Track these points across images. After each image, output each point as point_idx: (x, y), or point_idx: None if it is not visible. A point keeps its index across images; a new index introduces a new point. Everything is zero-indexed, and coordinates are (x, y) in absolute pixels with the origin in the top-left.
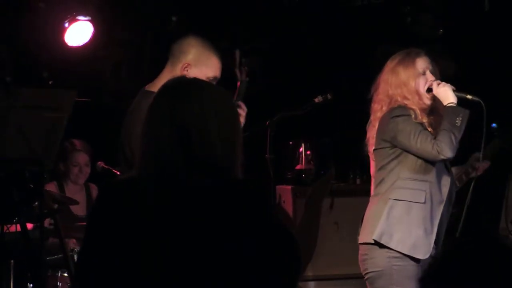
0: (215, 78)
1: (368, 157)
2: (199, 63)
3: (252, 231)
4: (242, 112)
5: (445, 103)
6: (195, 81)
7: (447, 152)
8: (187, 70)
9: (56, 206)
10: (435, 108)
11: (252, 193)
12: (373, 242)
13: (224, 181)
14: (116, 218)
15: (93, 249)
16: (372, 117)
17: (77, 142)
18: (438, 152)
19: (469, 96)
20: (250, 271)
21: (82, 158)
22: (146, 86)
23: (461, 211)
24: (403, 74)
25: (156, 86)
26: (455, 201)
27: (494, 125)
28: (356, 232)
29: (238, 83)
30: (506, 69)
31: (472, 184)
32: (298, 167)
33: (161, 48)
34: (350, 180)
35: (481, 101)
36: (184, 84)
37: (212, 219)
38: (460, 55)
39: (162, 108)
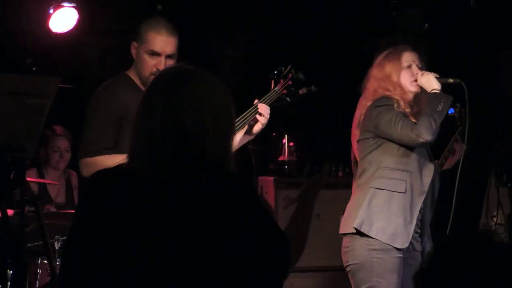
0: (152, 51)
1: (351, 150)
2: (139, 39)
3: (246, 227)
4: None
5: (429, 91)
6: (192, 71)
7: (426, 135)
8: (135, 49)
9: (36, 191)
10: (419, 100)
11: (246, 188)
12: (354, 232)
13: (217, 174)
14: (105, 209)
15: (80, 240)
16: (360, 112)
17: (57, 128)
18: (417, 135)
19: (450, 80)
20: (242, 267)
21: (62, 143)
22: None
23: (449, 209)
24: (388, 67)
25: (132, 71)
26: (444, 199)
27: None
28: (338, 224)
29: (271, 89)
30: (491, 64)
31: (457, 181)
32: (280, 158)
33: None
34: (332, 172)
35: (462, 82)
36: (180, 74)
37: (205, 213)
38: (445, 50)
39: (157, 98)
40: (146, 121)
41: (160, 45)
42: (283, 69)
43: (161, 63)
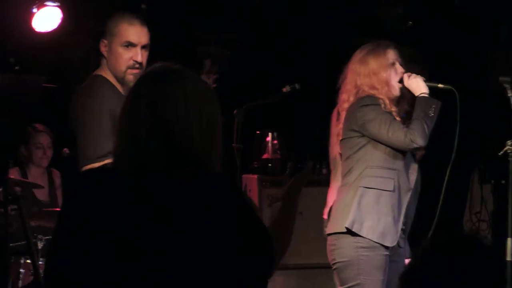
0: (127, 42)
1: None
2: (108, 35)
3: (231, 226)
4: None
5: (417, 94)
6: (177, 70)
7: (420, 141)
8: (106, 48)
9: (19, 191)
10: (403, 99)
11: (231, 186)
12: (342, 231)
13: (203, 173)
14: (90, 209)
15: (65, 240)
16: (339, 108)
17: (38, 125)
18: (411, 141)
19: (440, 85)
20: (226, 266)
21: (45, 139)
22: (97, 71)
23: (430, 205)
24: (374, 63)
25: (106, 72)
26: (425, 194)
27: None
28: (321, 222)
29: None
30: (475, 63)
31: (445, 183)
32: (264, 156)
33: None
34: (316, 170)
35: (453, 89)
36: (165, 73)
37: (189, 212)
38: (429, 49)
39: (142, 97)
40: (132, 120)
41: (135, 35)
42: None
43: (138, 54)
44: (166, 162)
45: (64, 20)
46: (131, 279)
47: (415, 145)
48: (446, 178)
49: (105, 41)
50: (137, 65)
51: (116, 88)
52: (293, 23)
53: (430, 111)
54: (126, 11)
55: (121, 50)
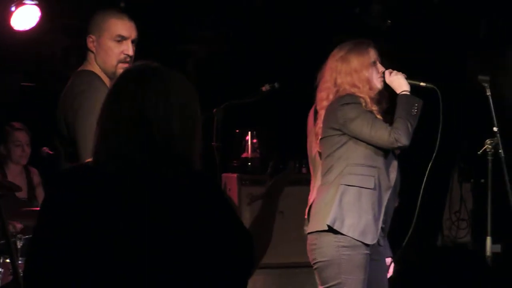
0: (120, 36)
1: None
2: (97, 30)
3: (210, 224)
4: None
5: (398, 92)
6: (158, 68)
7: (404, 140)
8: (94, 43)
9: None
10: (383, 97)
11: (211, 185)
12: (322, 230)
13: (183, 170)
14: (70, 207)
15: (45, 238)
16: (318, 106)
17: (16, 123)
18: (396, 140)
19: (423, 84)
20: (206, 265)
21: (23, 136)
22: (79, 68)
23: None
24: (356, 62)
25: (88, 66)
26: (405, 192)
27: None
28: (301, 221)
29: None
30: (454, 61)
31: (424, 182)
32: (244, 155)
33: None
34: (295, 169)
35: (435, 88)
36: (146, 71)
37: (170, 209)
38: (408, 47)
39: (123, 94)
40: (112, 117)
41: (126, 29)
42: None
43: (129, 48)
44: (147, 159)
45: (42, 18)
46: (113, 277)
47: (399, 144)
48: (425, 177)
49: (93, 37)
50: (128, 59)
51: (106, 84)
52: (273, 22)
53: (413, 110)
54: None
55: (112, 44)
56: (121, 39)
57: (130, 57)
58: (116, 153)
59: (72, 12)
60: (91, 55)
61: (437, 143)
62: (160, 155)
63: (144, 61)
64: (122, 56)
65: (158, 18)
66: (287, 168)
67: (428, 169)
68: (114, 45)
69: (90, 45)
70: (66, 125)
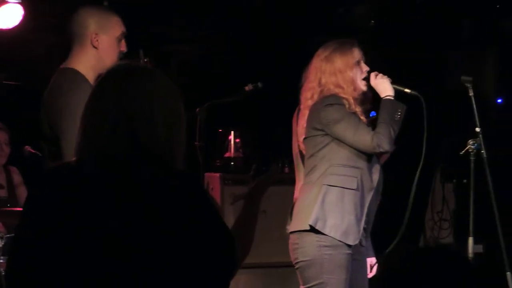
0: (123, 33)
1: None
2: (104, 28)
3: (193, 224)
4: None
5: (382, 95)
6: (141, 67)
7: (386, 145)
8: (97, 40)
9: None
10: (367, 97)
11: (194, 184)
12: (304, 229)
13: (167, 170)
14: (53, 206)
15: (27, 238)
16: (302, 106)
17: None
18: (378, 145)
19: (407, 90)
20: (188, 265)
21: (2, 135)
22: (64, 65)
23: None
24: (340, 62)
25: (79, 66)
26: (387, 193)
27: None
28: (284, 220)
29: None
30: (436, 62)
31: (414, 186)
32: (227, 155)
33: None
34: (278, 169)
35: (419, 96)
36: (129, 71)
37: (152, 209)
38: (391, 47)
39: (107, 93)
40: (96, 115)
41: (123, 26)
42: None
43: (124, 45)
44: (130, 159)
45: (25, 16)
46: (94, 277)
47: (381, 150)
48: (415, 182)
49: (97, 34)
50: (121, 56)
51: (90, 85)
52: (255, 22)
53: (396, 115)
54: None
55: (115, 42)
56: (122, 37)
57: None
58: (99, 152)
59: (56, 11)
60: (81, 52)
61: (423, 150)
62: (143, 154)
63: (127, 60)
64: (120, 54)
65: (140, 17)
66: (270, 170)
67: (417, 177)
68: (117, 43)
69: (96, 43)
70: (49, 124)
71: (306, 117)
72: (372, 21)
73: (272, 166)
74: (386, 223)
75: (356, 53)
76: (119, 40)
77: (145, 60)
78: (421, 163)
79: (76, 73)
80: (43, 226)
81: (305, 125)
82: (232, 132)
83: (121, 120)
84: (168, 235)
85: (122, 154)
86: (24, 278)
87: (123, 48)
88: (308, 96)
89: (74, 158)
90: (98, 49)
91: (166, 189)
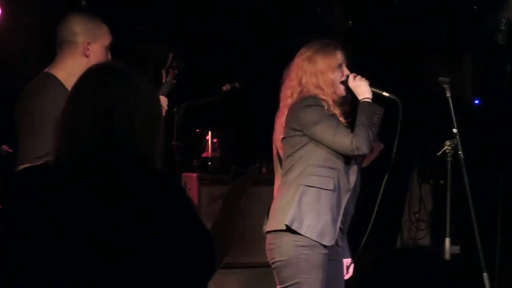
0: (111, 42)
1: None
2: (96, 37)
3: (171, 226)
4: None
5: (360, 98)
6: (120, 68)
7: (365, 148)
8: (89, 49)
9: None
10: (346, 99)
11: (173, 185)
12: (281, 229)
13: (146, 170)
14: (37, 206)
15: (9, 238)
16: (281, 104)
17: None
18: (357, 148)
19: (385, 94)
20: (166, 266)
21: None
22: (47, 69)
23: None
24: (322, 63)
25: (57, 71)
26: (365, 193)
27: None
28: (261, 221)
29: (164, 81)
30: (414, 63)
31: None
32: (204, 155)
33: None
34: (256, 169)
35: (397, 100)
36: (108, 71)
37: (131, 210)
38: (368, 48)
39: (86, 93)
40: (75, 117)
41: (110, 35)
42: (170, 60)
43: (109, 54)
44: (109, 159)
45: (2, 15)
46: (72, 280)
47: (359, 152)
48: (384, 182)
49: (89, 43)
50: None
51: (67, 90)
52: (233, 21)
53: (374, 118)
54: (74, 9)
55: (105, 52)
56: (109, 46)
57: None
58: (78, 152)
59: (33, 11)
60: (68, 58)
61: (393, 153)
62: (123, 153)
63: (106, 61)
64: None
65: (117, 17)
66: (249, 171)
67: (385, 179)
68: (105, 52)
69: (87, 52)
70: (15, 125)
71: (285, 116)
72: (350, 22)
73: (250, 167)
74: (363, 224)
75: (339, 56)
76: (108, 49)
77: (173, 63)
78: (390, 166)
79: (53, 80)
80: (29, 226)
81: (283, 124)
82: (210, 132)
83: (100, 120)
84: (147, 236)
85: (101, 153)
86: (13, 278)
87: (109, 57)
88: (288, 94)
89: (24, 165)
90: (89, 58)
91: (145, 189)
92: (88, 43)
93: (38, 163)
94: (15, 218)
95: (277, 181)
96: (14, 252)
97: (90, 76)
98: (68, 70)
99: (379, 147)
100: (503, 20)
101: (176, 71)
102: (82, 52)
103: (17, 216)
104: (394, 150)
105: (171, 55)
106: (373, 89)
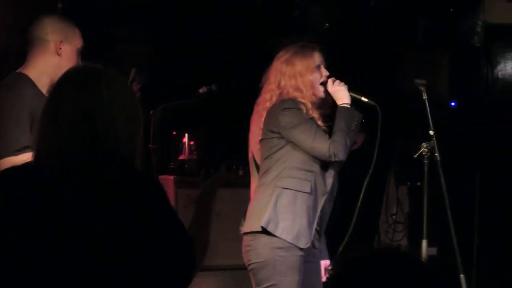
0: (82, 46)
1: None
2: (68, 38)
3: (152, 228)
4: None
5: (339, 103)
6: (99, 69)
7: (342, 155)
8: (61, 48)
9: None
10: (325, 102)
11: (153, 188)
12: (257, 231)
13: (127, 173)
14: (10, 209)
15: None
16: (260, 107)
17: None
18: (334, 155)
19: (364, 99)
20: (147, 268)
21: None
22: (20, 69)
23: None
24: (300, 65)
25: (28, 70)
26: (342, 195)
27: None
28: (238, 223)
29: None
30: (391, 63)
31: (362, 192)
32: (181, 157)
33: None
34: (232, 170)
35: (376, 106)
36: (88, 71)
37: (111, 211)
38: (346, 49)
39: (67, 95)
40: (55, 118)
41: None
42: (133, 75)
43: (79, 57)
44: (90, 161)
45: None
46: (46, 282)
47: (336, 159)
48: (364, 186)
49: (62, 42)
50: None
51: (39, 89)
52: (211, 23)
53: (352, 124)
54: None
55: (76, 54)
56: (80, 50)
57: None
58: (58, 155)
59: (10, 11)
60: (39, 57)
61: (374, 159)
62: (103, 154)
63: (85, 63)
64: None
65: (94, 18)
66: (219, 172)
67: (365, 183)
68: (77, 55)
69: (60, 51)
70: None
71: (263, 118)
72: (327, 24)
73: (220, 168)
74: (341, 226)
75: (317, 57)
76: (79, 52)
77: (135, 77)
78: (370, 170)
79: (24, 79)
80: (26, 226)
81: (261, 126)
82: (186, 135)
83: (81, 121)
84: (127, 238)
85: (82, 155)
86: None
87: (80, 61)
88: (267, 98)
89: (31, 153)
90: (61, 56)
91: (129, 190)
92: (61, 42)
93: (19, 157)
94: (11, 218)
95: (253, 183)
96: (16, 251)
97: (70, 77)
98: (40, 69)
99: (361, 137)
100: (479, 22)
101: (139, 86)
102: (54, 50)
103: (12, 217)
104: (375, 157)
105: (133, 70)
106: (352, 94)
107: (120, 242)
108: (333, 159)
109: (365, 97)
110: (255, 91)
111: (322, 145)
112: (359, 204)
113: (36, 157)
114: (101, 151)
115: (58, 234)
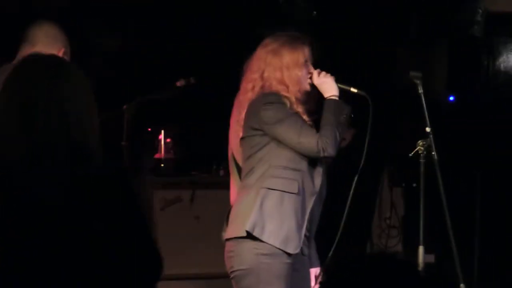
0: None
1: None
2: (67, 47)
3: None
4: None
5: (326, 95)
6: (53, 60)
7: (331, 150)
8: (65, 56)
9: None
10: (311, 97)
11: (121, 183)
12: (241, 236)
13: (95, 169)
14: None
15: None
16: (241, 97)
17: None
18: (323, 150)
19: (353, 89)
20: (111, 275)
21: None
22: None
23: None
24: (288, 57)
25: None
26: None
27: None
28: (219, 227)
29: None
30: (383, 58)
31: (351, 192)
32: (157, 156)
33: None
34: (213, 171)
35: (367, 96)
36: (41, 64)
37: (76, 213)
38: (335, 43)
39: (38, 84)
40: (22, 107)
41: None
42: None
43: None
44: (68, 153)
45: None
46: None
47: (326, 154)
48: (353, 186)
49: (65, 52)
50: None
51: None
52: (191, 14)
53: (341, 117)
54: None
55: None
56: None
57: None
58: (31, 145)
59: None
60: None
61: (364, 155)
62: (77, 148)
63: (37, 53)
64: None
65: (67, 12)
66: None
67: (354, 182)
68: None
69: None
70: None
71: (244, 110)
72: (314, 12)
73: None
74: (330, 231)
75: (307, 51)
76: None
77: None
78: (360, 166)
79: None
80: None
81: (241, 122)
82: (163, 131)
83: (55, 113)
84: (95, 241)
85: (59, 148)
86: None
87: None
88: (249, 88)
89: None
90: None
91: (91, 190)
92: (65, 49)
93: None
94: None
95: (233, 184)
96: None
97: (20, 71)
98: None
99: (351, 133)
100: (480, 11)
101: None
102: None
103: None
104: (365, 152)
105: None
106: (340, 85)
107: (83, 242)
108: (322, 154)
109: (354, 87)
110: (236, 85)
111: (310, 140)
112: (347, 206)
113: (4, 149)
114: (74, 144)
115: (18, 236)
